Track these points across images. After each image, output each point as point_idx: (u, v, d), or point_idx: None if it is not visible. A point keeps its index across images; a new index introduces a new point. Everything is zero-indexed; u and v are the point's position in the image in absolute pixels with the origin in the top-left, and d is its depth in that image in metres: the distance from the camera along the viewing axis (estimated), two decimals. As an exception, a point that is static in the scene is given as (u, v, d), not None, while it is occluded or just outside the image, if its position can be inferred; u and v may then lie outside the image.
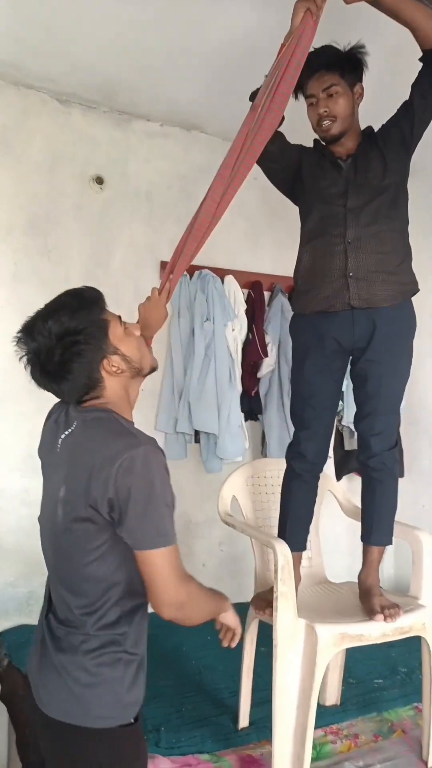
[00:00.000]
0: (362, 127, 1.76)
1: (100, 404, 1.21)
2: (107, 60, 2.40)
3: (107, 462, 1.08)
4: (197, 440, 2.85)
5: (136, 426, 1.21)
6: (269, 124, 1.53)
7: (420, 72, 1.62)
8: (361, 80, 1.70)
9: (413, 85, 1.65)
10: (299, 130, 1.77)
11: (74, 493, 1.13)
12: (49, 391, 1.21)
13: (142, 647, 1.19)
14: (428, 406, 3.15)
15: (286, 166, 1.78)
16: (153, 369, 1.31)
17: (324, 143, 1.75)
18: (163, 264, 2.88)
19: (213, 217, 1.55)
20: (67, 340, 1.13)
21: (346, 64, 1.65)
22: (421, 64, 1.63)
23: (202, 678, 2.22)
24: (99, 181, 2.75)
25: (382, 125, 1.73)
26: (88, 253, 2.75)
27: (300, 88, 1.67)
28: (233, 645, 1.35)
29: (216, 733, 1.89)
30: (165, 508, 1.09)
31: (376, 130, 1.75)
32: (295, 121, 1.71)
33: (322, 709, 1.54)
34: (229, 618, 1.31)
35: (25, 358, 1.18)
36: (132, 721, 1.14)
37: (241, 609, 1.43)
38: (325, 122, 1.66)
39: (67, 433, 1.21)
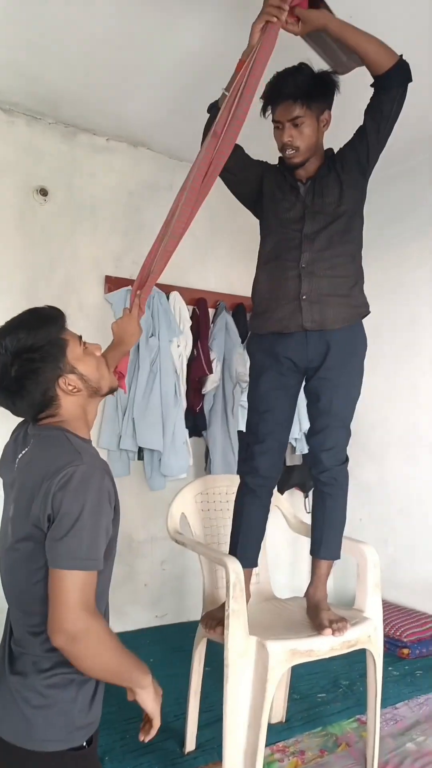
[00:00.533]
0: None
1: (54, 422, 1.20)
2: (55, 71, 2.37)
3: (48, 478, 1.07)
4: (140, 457, 2.81)
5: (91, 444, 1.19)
6: (230, 139, 1.54)
7: (371, 97, 1.67)
8: (329, 107, 1.71)
9: (366, 111, 1.69)
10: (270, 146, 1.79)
11: (20, 512, 1.11)
12: (5, 407, 1.20)
13: None
14: (366, 422, 3.25)
15: (244, 180, 1.79)
16: (112, 389, 1.31)
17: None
18: (108, 278, 2.86)
19: (180, 237, 1.60)
20: (23, 357, 1.13)
21: (314, 93, 1.64)
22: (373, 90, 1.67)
23: (146, 702, 2.16)
24: (43, 192, 2.70)
25: (340, 149, 1.77)
26: (30, 265, 2.68)
27: (267, 109, 1.69)
28: (147, 740, 1.16)
29: (162, 759, 1.84)
30: (92, 531, 1.05)
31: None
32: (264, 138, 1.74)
33: (268, 727, 1.53)
34: (148, 701, 1.12)
35: None
36: (84, 744, 1.11)
37: (184, 628, 1.41)
38: (288, 151, 1.69)
39: (24, 452, 1.20)
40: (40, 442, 1.17)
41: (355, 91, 1.69)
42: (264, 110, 1.70)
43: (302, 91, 1.63)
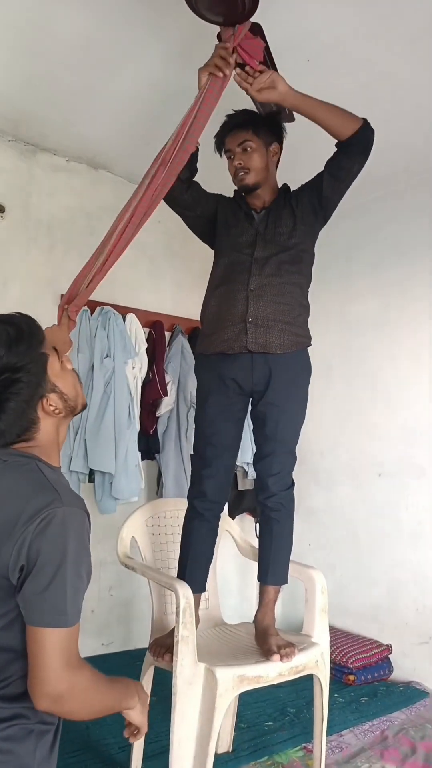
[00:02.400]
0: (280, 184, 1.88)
1: (25, 447, 1.10)
2: (16, 89, 2.37)
3: (21, 522, 0.97)
4: (91, 479, 2.76)
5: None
6: (170, 175, 1.62)
7: (334, 153, 1.76)
8: (279, 141, 1.83)
9: (326, 164, 1.78)
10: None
11: None
12: None
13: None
14: (315, 448, 3.31)
15: (201, 214, 1.86)
16: (84, 407, 1.23)
17: (242, 194, 1.85)
18: (63, 297, 2.83)
19: (117, 258, 1.64)
20: (5, 377, 1.03)
21: (261, 125, 1.78)
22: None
23: (90, 733, 2.09)
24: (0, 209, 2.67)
25: (300, 186, 1.85)
26: (-17, 281, 2.63)
27: (219, 147, 1.81)
28: (134, 741, 1.22)
29: (105, 793, 1.78)
30: (74, 580, 0.98)
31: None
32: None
33: (215, 758, 1.50)
34: (135, 717, 1.14)
35: None
36: None
37: (132, 656, 1.37)
38: (240, 173, 1.78)
39: None
40: (10, 471, 1.06)
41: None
42: (218, 147, 1.82)
43: (250, 121, 1.77)
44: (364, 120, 1.69)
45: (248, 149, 1.76)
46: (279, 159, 1.86)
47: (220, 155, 1.83)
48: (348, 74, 2.18)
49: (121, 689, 1.11)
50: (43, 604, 0.95)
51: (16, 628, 1.01)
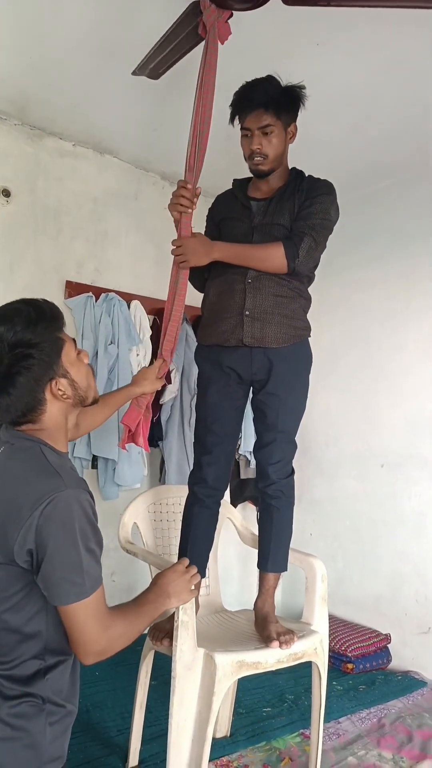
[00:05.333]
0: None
1: (32, 430, 1.11)
2: (22, 73, 2.35)
3: (27, 508, 0.99)
4: (95, 466, 2.77)
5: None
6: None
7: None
8: (295, 120, 1.74)
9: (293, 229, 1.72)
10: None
11: None
12: None
13: (73, 699, 1.10)
14: (317, 438, 3.31)
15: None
16: (95, 401, 1.24)
17: (251, 177, 1.81)
18: (69, 284, 2.84)
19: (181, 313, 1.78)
20: (18, 351, 1.04)
21: (283, 103, 1.67)
22: None
23: (90, 716, 2.12)
24: (6, 193, 2.66)
25: (308, 183, 1.77)
26: (-11, 266, 2.63)
27: (236, 116, 1.72)
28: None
29: (104, 774, 1.80)
30: (86, 555, 1.02)
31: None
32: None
33: (213, 742, 1.51)
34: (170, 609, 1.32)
35: None
36: None
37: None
38: (256, 158, 1.71)
39: None
40: (14, 454, 1.08)
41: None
42: (232, 118, 1.73)
43: (273, 100, 1.65)
44: (289, 264, 1.68)
45: (269, 133, 1.68)
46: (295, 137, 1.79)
47: (233, 125, 1.74)
48: (358, 58, 2.15)
49: (153, 604, 1.26)
50: (62, 584, 1.00)
51: (24, 610, 1.03)
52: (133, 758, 1.86)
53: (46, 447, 1.09)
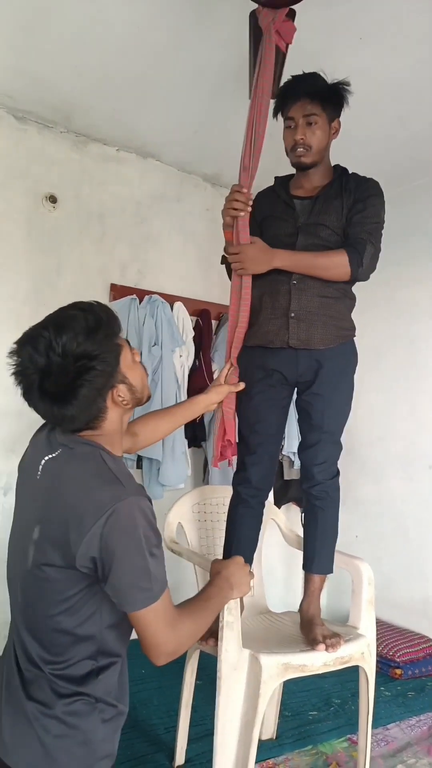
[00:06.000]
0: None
1: (91, 436, 1.11)
2: (67, 80, 2.40)
3: (90, 516, 0.99)
4: (139, 466, 2.80)
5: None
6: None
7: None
8: (339, 116, 1.73)
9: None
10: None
11: (48, 539, 1.04)
12: (44, 415, 1.10)
13: (124, 699, 1.12)
14: (365, 439, 3.25)
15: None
16: (148, 399, 1.24)
17: (294, 170, 1.79)
18: (113, 287, 2.88)
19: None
20: (81, 363, 1.03)
21: (329, 97, 1.67)
22: None
23: (137, 713, 2.15)
24: (52, 200, 2.72)
25: (356, 181, 1.75)
26: (37, 272, 2.69)
27: (280, 109, 1.71)
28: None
29: (151, 772, 1.82)
30: (152, 561, 1.03)
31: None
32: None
33: (258, 744, 1.51)
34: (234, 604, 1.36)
35: (18, 374, 1.05)
36: None
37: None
38: (299, 149, 1.68)
39: (49, 457, 1.11)
40: (73, 459, 1.08)
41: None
42: (276, 111, 1.72)
43: (318, 92, 1.66)
44: (353, 272, 1.66)
45: (313, 124, 1.66)
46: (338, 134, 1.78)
47: (276, 118, 1.72)
48: (402, 53, 2.11)
49: (217, 599, 1.28)
50: (132, 591, 1.01)
51: (79, 613, 1.04)
52: (180, 757, 1.87)
53: (105, 452, 1.09)
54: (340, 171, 1.79)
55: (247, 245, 1.66)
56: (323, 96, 1.66)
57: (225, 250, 1.74)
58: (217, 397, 1.73)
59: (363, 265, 1.66)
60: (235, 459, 1.82)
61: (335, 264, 1.66)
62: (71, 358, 1.02)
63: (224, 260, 1.80)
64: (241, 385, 1.75)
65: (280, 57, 1.68)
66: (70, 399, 1.04)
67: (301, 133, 1.67)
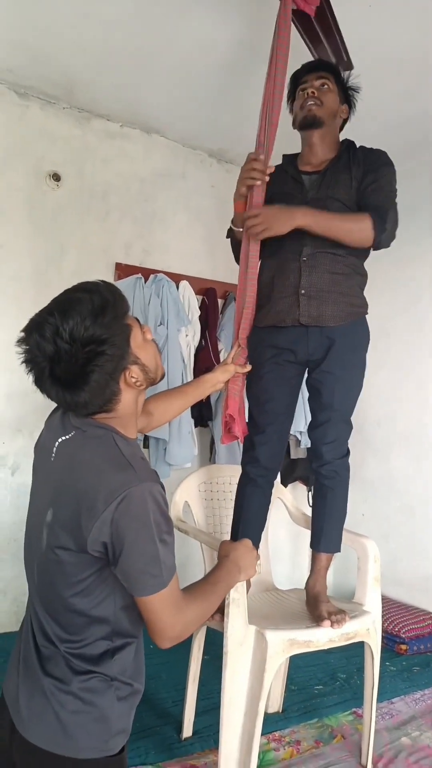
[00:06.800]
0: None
1: (104, 418, 1.10)
2: (69, 56, 2.36)
3: (101, 501, 0.98)
4: (146, 445, 2.81)
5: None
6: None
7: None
8: (349, 105, 1.81)
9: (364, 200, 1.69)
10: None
11: (60, 522, 1.04)
12: (57, 401, 1.08)
13: (140, 678, 1.13)
14: (371, 418, 3.24)
15: None
16: (162, 377, 1.21)
17: (301, 128, 1.78)
18: (118, 265, 2.86)
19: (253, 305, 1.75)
20: (90, 348, 1.00)
21: (340, 78, 1.77)
22: None
23: (145, 687, 2.13)
24: (56, 177, 2.69)
25: (364, 154, 1.74)
26: (40, 250, 2.68)
27: (295, 85, 1.77)
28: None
29: (159, 744, 1.86)
30: (162, 547, 1.02)
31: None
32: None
33: (265, 717, 1.53)
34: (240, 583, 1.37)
35: (28, 362, 1.03)
36: (118, 751, 1.07)
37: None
38: (310, 101, 1.71)
39: (62, 439, 1.10)
40: (86, 442, 1.07)
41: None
42: (293, 85, 1.77)
43: (331, 69, 1.77)
44: (376, 237, 1.64)
45: (326, 86, 1.73)
46: (344, 124, 1.82)
47: (289, 99, 1.78)
48: (410, 21, 2.05)
49: (223, 584, 1.29)
50: (142, 577, 1.01)
51: (93, 595, 1.04)
52: (188, 729, 1.91)
53: (118, 435, 1.08)
54: (347, 144, 1.78)
55: (267, 206, 1.64)
56: (337, 75, 1.75)
57: (233, 222, 1.72)
58: (223, 376, 1.72)
59: (386, 231, 1.64)
60: (243, 436, 1.82)
61: (359, 228, 1.63)
62: (79, 343, 0.99)
63: (230, 234, 1.77)
64: (248, 367, 1.74)
65: (327, 20, 1.75)
66: (82, 385, 1.02)
67: (313, 88, 1.72)
